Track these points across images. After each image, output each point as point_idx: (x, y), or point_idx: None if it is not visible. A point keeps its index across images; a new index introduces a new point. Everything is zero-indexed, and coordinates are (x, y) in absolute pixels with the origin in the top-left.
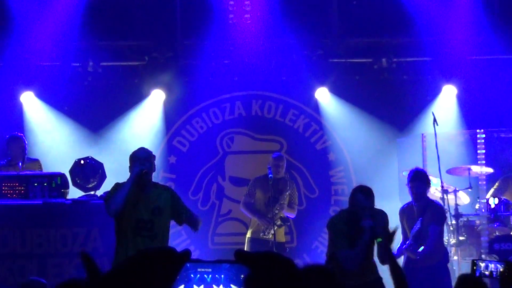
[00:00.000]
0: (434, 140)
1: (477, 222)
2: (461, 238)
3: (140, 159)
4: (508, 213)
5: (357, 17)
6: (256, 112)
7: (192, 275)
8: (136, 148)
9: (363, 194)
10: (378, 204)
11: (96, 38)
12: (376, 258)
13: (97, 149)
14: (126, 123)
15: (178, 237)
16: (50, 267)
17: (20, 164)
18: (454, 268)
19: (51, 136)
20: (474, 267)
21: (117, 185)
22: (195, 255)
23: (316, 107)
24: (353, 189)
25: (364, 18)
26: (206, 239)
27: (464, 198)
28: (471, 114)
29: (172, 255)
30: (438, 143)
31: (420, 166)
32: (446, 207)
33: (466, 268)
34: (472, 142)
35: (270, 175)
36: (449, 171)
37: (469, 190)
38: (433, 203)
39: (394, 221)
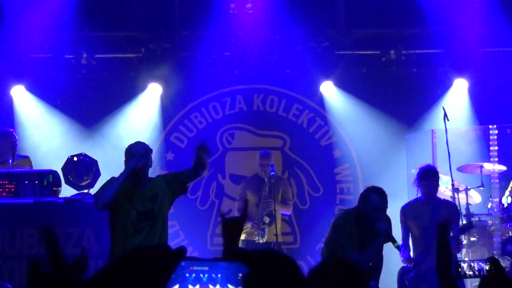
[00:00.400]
0: (445, 136)
1: (489, 222)
2: (472, 239)
3: (136, 156)
4: None
5: (364, 7)
6: (258, 107)
7: (187, 274)
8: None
9: (379, 196)
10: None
11: (90, 28)
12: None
13: (91, 145)
14: (122, 118)
15: (176, 238)
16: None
17: (10, 161)
18: None
19: (42, 131)
20: (459, 269)
21: (112, 179)
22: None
23: (321, 101)
24: (367, 190)
25: (372, 7)
26: (205, 239)
27: (475, 197)
28: (484, 109)
29: (166, 253)
30: (448, 139)
31: (430, 164)
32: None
33: None
34: (484, 138)
35: (272, 173)
36: (460, 169)
37: (481, 188)
38: (445, 201)
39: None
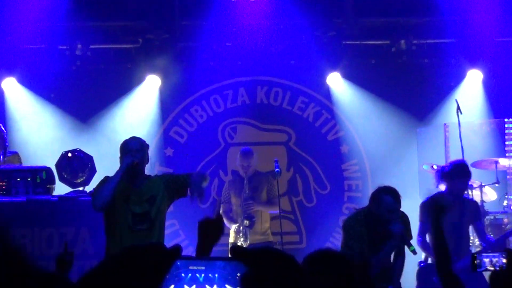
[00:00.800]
0: (458, 130)
1: (505, 220)
2: None
3: (132, 151)
4: None
5: None
6: (261, 100)
7: (183, 274)
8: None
9: (392, 196)
10: None
11: (85, 18)
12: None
13: (86, 140)
14: (118, 112)
15: (176, 237)
16: None
17: (1, 157)
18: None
19: (35, 126)
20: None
21: (106, 178)
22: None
23: (327, 94)
24: (379, 190)
25: None
26: None
27: (490, 194)
28: (499, 101)
29: (160, 252)
30: (462, 134)
31: (443, 159)
32: None
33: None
34: (499, 132)
35: (277, 169)
36: (474, 164)
37: (496, 185)
38: (469, 199)
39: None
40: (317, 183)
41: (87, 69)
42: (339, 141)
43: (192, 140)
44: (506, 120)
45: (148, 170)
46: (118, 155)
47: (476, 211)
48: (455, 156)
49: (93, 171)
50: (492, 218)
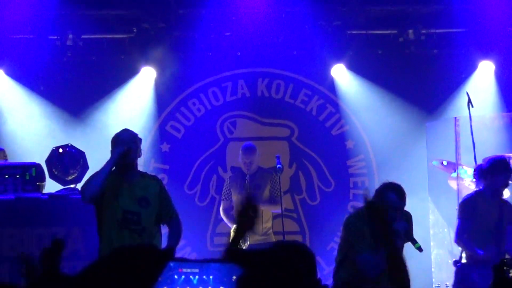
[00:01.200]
0: (469, 125)
1: None
2: None
3: (124, 142)
4: None
5: None
6: (262, 93)
7: (176, 276)
8: None
9: (397, 194)
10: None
11: (76, 6)
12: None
13: (78, 135)
14: (111, 106)
15: None
16: None
17: None
18: None
19: (24, 120)
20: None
21: (98, 171)
22: (192, 258)
23: (332, 86)
24: (383, 186)
25: None
26: (205, 239)
27: (504, 192)
28: None
29: (152, 253)
30: (473, 128)
31: (453, 155)
32: None
33: None
34: None
35: (278, 166)
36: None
37: (510, 182)
38: (504, 199)
39: (420, 220)
40: (321, 180)
41: (78, 61)
42: (344, 136)
43: (190, 135)
44: None
45: (144, 167)
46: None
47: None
48: (465, 151)
49: (85, 167)
50: None
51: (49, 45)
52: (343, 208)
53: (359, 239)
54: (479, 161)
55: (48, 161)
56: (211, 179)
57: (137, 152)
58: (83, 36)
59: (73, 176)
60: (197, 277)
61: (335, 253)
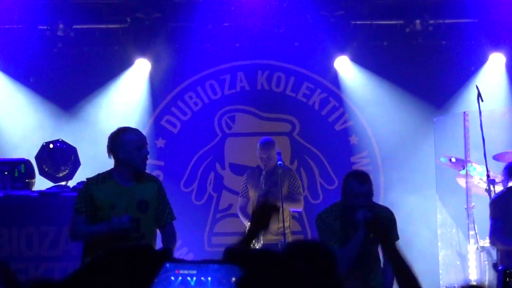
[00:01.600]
0: (479, 120)
1: None
2: None
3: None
4: None
5: None
6: (262, 86)
7: (172, 278)
8: (115, 129)
9: (357, 180)
10: (412, 198)
11: None
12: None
13: (69, 130)
14: (104, 99)
15: None
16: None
17: None
18: None
19: (12, 115)
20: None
21: (87, 182)
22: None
23: (335, 79)
24: (345, 175)
25: None
26: (202, 239)
27: None
28: None
29: (148, 254)
30: (483, 123)
31: (462, 151)
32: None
33: None
34: None
35: (279, 162)
36: (496, 157)
37: None
38: None
39: (428, 219)
40: (323, 178)
41: (69, 52)
42: (347, 131)
43: (186, 130)
44: None
45: None
46: (104, 145)
47: None
48: (475, 147)
49: (76, 164)
50: None
51: (38, 36)
52: None
53: (329, 233)
54: (489, 158)
55: (38, 157)
56: (209, 176)
57: (146, 158)
58: (74, 26)
59: (64, 173)
60: (194, 278)
61: None
